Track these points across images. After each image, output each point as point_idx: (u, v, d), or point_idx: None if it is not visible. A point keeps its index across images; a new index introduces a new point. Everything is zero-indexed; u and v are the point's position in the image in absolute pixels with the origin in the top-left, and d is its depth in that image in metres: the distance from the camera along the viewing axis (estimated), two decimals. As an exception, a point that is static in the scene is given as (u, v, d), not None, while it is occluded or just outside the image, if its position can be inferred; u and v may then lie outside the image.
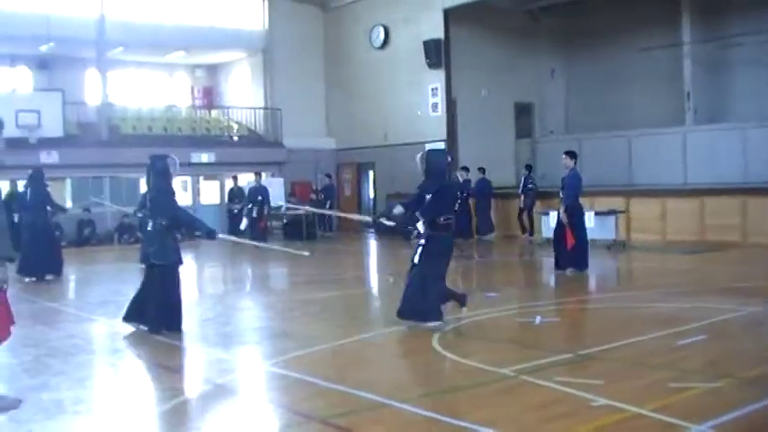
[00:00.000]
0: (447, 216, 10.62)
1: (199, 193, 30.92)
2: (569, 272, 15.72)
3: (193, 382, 8.37)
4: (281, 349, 9.38)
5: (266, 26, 32.37)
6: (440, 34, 28.24)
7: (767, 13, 25.81)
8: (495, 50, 30.14)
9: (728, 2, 27.28)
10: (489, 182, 25.60)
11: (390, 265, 19.22)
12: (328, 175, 29.73)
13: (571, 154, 16.12)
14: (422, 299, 10.45)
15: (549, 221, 21.52)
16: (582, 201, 16.33)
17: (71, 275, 18.76)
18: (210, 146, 30.48)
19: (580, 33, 31.61)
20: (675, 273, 15.96)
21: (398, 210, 11.04)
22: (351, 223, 27.89)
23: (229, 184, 29.97)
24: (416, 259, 10.59)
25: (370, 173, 32.30)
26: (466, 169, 25.10)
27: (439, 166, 10.78)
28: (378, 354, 9.43)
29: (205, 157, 29.79)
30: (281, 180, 30.37)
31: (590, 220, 20.36)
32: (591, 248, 20.52)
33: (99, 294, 15.55)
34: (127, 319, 10.84)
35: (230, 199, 29.29)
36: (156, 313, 10.50)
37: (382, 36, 30.68)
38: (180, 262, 10.85)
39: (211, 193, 31.28)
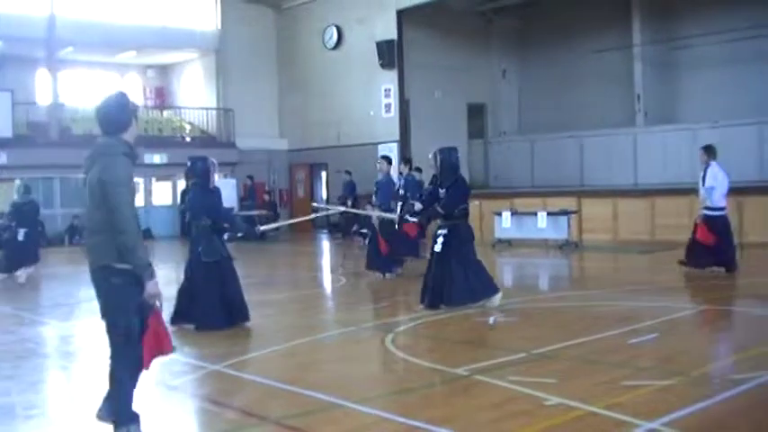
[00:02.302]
0: (463, 206, 11.71)
1: (151, 194, 30.69)
2: (388, 276, 16.19)
3: (146, 384, 8.28)
4: (235, 351, 9.33)
5: (218, 26, 32.25)
6: (393, 35, 28.29)
7: (715, 15, 26.18)
8: (447, 51, 30.21)
9: (678, 4, 27.61)
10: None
11: (343, 266, 19.19)
12: (250, 177, 29.50)
13: (388, 159, 16.50)
14: (474, 280, 11.50)
15: (501, 222, 21.66)
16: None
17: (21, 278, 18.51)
18: (163, 146, 30.28)
19: (532, 35, 31.83)
20: (627, 272, 16.12)
21: (418, 206, 12.21)
22: (303, 224, 27.81)
23: (182, 184, 29.76)
24: (438, 248, 11.57)
25: (323, 173, 32.28)
26: (419, 170, 25.09)
27: (451, 161, 11.77)
28: (331, 355, 9.41)
29: (157, 158, 29.60)
30: (234, 181, 30.26)
31: (542, 220, 20.54)
32: (544, 249, 20.74)
33: (50, 297, 15.38)
34: (174, 321, 10.74)
35: (183, 200, 29.05)
36: (213, 310, 10.64)
37: (335, 37, 30.67)
38: (230, 257, 11.02)
39: (164, 194, 31.05)
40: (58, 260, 23.02)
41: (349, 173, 25.63)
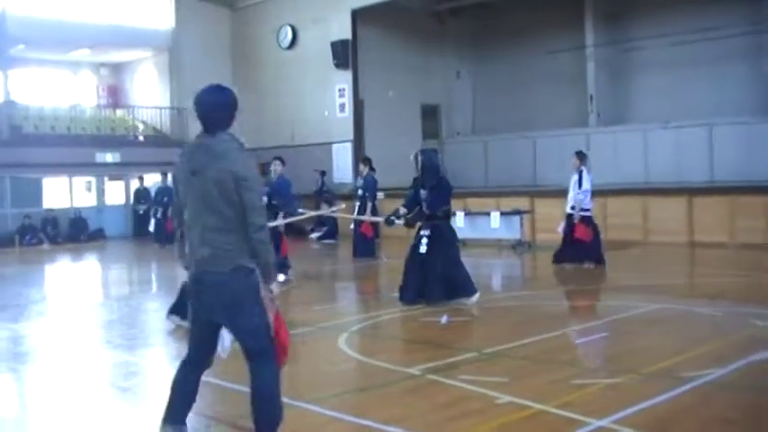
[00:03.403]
0: (446, 207, 12.04)
1: (104, 193, 30.39)
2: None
3: (98, 386, 8.24)
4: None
5: (173, 25, 32.03)
6: (348, 35, 28.28)
7: (666, 18, 26.46)
8: (402, 52, 30.25)
9: (630, 6, 27.89)
10: None
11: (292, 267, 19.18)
12: None
13: (281, 160, 16.50)
14: (457, 277, 11.87)
15: (454, 222, 21.68)
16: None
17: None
18: (115, 146, 30.03)
19: (487, 36, 31.94)
20: (579, 272, 16.26)
21: (403, 210, 12.31)
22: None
23: (135, 184, 29.58)
24: (423, 249, 11.86)
25: (277, 173, 32.17)
26: (373, 170, 25.16)
27: (432, 162, 12.05)
28: (285, 355, 9.40)
29: (110, 157, 29.35)
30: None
31: (496, 220, 20.64)
32: (497, 249, 20.81)
33: (0, 298, 15.19)
34: (174, 312, 10.60)
35: (136, 200, 28.93)
36: None
37: (290, 36, 30.58)
38: None
39: (117, 193, 30.76)
40: (8, 261, 22.75)
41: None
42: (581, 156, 16.59)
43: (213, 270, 5.41)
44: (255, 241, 5.38)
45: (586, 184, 16.08)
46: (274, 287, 5.58)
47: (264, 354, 5.61)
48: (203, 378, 7.93)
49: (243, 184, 5.36)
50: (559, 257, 16.75)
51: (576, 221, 16.18)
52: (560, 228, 16.74)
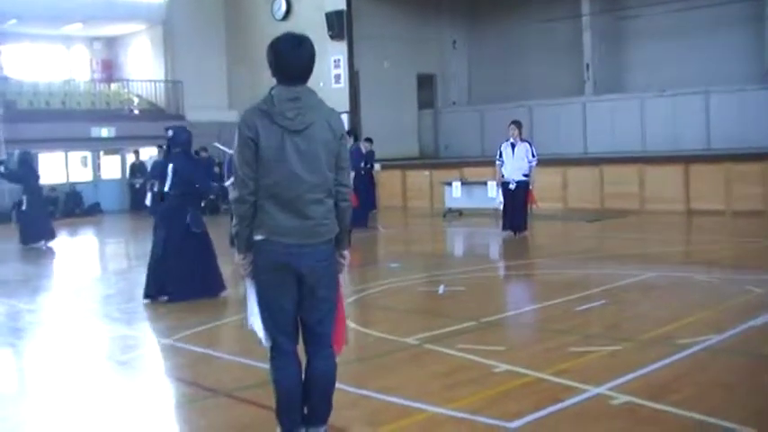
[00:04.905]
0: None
1: (99, 168, 30.30)
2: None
3: (96, 360, 8.25)
4: (185, 324, 9.28)
5: (166, -3, 31.84)
6: (342, 5, 28.09)
7: (663, -16, 26.36)
8: (397, 22, 30.13)
9: (626, -26, 27.80)
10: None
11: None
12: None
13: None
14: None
15: (451, 192, 21.68)
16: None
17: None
18: (110, 120, 29.91)
19: (482, 5, 31.81)
20: (577, 240, 16.28)
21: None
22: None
23: (131, 158, 29.51)
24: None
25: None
26: (369, 140, 25.08)
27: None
28: (283, 326, 9.40)
29: (105, 132, 29.24)
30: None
31: (492, 189, 20.59)
32: (494, 218, 20.80)
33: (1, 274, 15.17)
34: (150, 296, 10.79)
35: (132, 174, 28.84)
36: (193, 281, 10.74)
37: (284, 7, 30.41)
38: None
39: (112, 167, 30.69)
40: (6, 236, 22.70)
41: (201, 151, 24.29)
42: (521, 125, 17.10)
43: (312, 243, 4.82)
44: (347, 204, 5.03)
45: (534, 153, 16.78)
46: (347, 253, 5.15)
47: (330, 334, 5.13)
48: (201, 349, 7.99)
49: (343, 143, 5.01)
50: (517, 225, 16.84)
51: (531, 188, 16.78)
52: (500, 199, 17.16)
